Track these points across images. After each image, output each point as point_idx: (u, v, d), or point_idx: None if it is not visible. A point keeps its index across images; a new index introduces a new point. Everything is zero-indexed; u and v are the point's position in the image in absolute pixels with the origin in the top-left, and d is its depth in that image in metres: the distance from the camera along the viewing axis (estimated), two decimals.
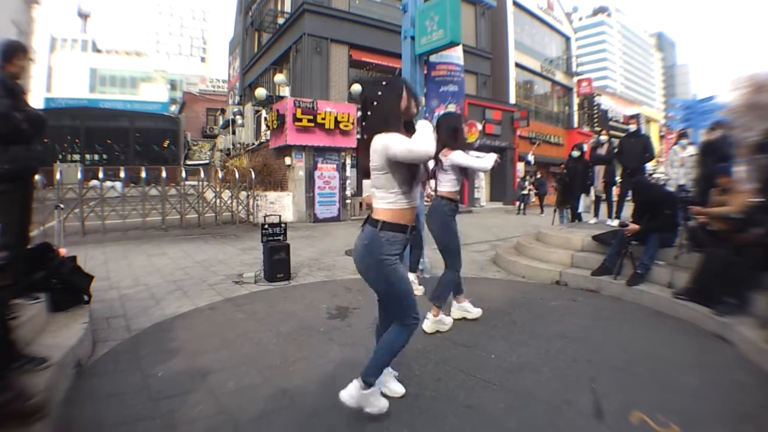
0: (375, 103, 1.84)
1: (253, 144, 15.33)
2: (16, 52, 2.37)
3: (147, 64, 67.03)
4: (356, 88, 12.42)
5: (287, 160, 11.56)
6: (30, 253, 2.76)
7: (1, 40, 2.42)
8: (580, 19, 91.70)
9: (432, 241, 3.25)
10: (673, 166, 6.28)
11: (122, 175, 8.69)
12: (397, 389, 2.15)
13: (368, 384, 1.89)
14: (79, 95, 42.99)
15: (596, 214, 6.96)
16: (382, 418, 1.96)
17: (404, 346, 1.94)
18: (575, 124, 23.24)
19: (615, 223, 5.10)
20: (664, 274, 3.94)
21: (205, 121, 32.19)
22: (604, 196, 7.02)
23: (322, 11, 12.36)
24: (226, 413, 2.01)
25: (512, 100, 18.66)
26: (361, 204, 12.72)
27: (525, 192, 15.40)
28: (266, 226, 4.71)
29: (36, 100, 30.20)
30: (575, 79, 23.72)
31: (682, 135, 6.68)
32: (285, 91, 13.55)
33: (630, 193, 5.11)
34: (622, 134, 7.10)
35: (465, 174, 3.11)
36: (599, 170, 6.89)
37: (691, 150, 5.99)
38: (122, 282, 4.57)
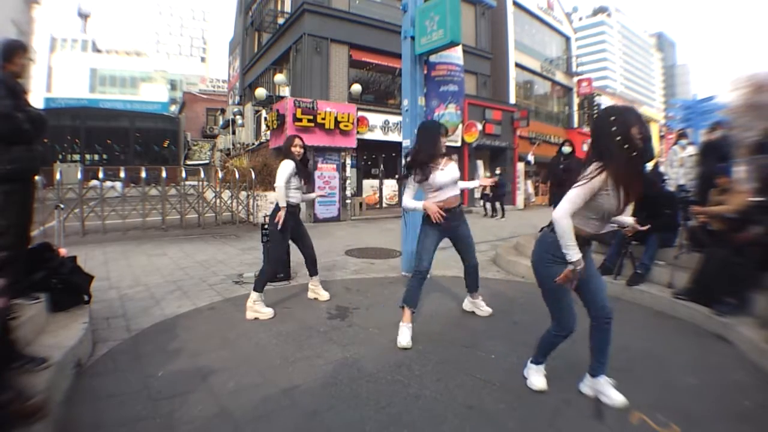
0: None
1: (253, 144, 15.33)
2: (17, 50, 2.36)
3: (147, 64, 67.15)
4: (356, 88, 12.42)
5: None
6: (30, 253, 2.75)
7: (1, 40, 2.42)
8: (580, 19, 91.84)
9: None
10: (672, 166, 6.28)
11: (122, 175, 8.69)
12: (615, 397, 2.05)
13: (531, 360, 2.29)
14: (79, 95, 43.07)
15: None
16: (384, 418, 1.96)
17: (551, 344, 2.17)
18: (575, 124, 23.23)
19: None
20: (664, 274, 3.94)
21: (205, 121, 32.23)
22: None
23: (322, 11, 12.35)
24: (226, 413, 2.01)
25: (512, 100, 18.64)
26: (361, 204, 12.72)
27: (487, 192, 13.20)
28: (266, 226, 4.70)
29: (36, 100, 30.20)
30: (575, 79, 23.68)
31: (681, 135, 6.68)
32: (285, 91, 13.55)
33: None
34: None
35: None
36: None
37: (691, 150, 5.98)
38: (122, 282, 4.57)
